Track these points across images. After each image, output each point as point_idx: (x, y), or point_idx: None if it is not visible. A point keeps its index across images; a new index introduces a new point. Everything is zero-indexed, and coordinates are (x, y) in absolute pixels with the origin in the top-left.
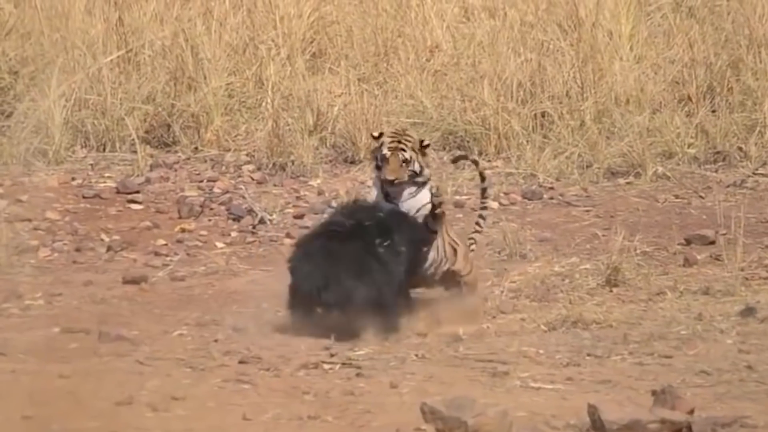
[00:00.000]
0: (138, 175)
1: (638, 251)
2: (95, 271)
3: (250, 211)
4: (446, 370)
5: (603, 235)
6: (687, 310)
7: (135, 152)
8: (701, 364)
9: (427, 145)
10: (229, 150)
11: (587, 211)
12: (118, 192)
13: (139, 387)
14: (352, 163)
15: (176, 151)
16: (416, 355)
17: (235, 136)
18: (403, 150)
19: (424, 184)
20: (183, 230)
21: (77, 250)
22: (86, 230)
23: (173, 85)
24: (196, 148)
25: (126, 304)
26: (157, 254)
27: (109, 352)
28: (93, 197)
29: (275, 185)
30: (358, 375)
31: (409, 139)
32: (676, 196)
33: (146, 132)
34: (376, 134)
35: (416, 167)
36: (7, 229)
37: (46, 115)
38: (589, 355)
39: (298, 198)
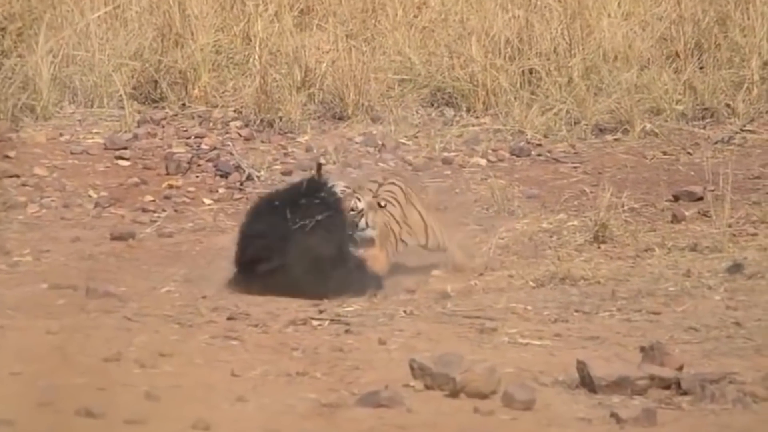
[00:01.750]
0: (125, 132)
1: (626, 208)
2: (83, 228)
3: (238, 168)
4: (434, 326)
5: (591, 192)
6: (675, 267)
7: (122, 108)
8: (689, 320)
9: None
10: (217, 106)
11: (575, 167)
12: (106, 148)
13: (127, 343)
14: (340, 119)
15: (164, 108)
16: (404, 312)
17: (223, 93)
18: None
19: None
20: (171, 186)
21: (65, 206)
22: (74, 186)
23: (161, 42)
24: (184, 105)
25: (114, 260)
26: (144, 210)
27: (97, 308)
28: (81, 153)
29: (263, 142)
30: (346, 331)
31: None
32: (664, 153)
33: (134, 88)
34: None
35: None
36: None
37: (33, 71)
38: (577, 311)
39: (285, 154)
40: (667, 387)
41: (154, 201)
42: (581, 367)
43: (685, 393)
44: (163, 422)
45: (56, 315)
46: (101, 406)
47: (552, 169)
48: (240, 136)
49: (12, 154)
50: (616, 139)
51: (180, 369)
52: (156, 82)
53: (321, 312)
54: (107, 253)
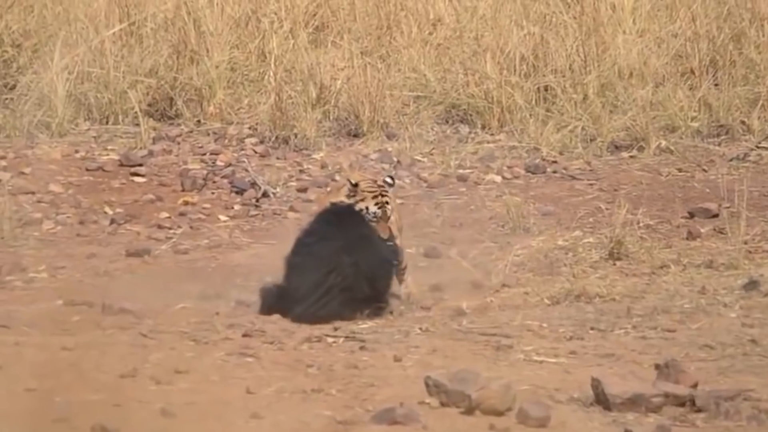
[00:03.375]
0: (141, 148)
1: (641, 225)
2: (98, 244)
3: (254, 185)
4: (450, 343)
5: (606, 209)
6: (690, 284)
7: (138, 125)
8: (704, 337)
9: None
10: (232, 123)
11: (590, 184)
12: (121, 165)
13: (143, 360)
14: (355, 136)
15: (179, 124)
16: (420, 329)
17: (238, 110)
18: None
19: None
20: (186, 203)
21: (80, 222)
22: (89, 203)
23: (176, 59)
24: (199, 121)
25: (129, 277)
26: (160, 227)
27: (112, 324)
28: (96, 170)
29: (278, 158)
30: (361, 348)
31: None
32: (679, 170)
33: (149, 105)
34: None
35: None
36: (10, 201)
37: (48, 87)
38: (592, 328)
39: (301, 171)
40: (682, 404)
41: (169, 218)
42: (596, 384)
43: (699, 410)
44: None
45: (72, 331)
46: (117, 423)
47: (567, 186)
48: (255, 152)
49: (27, 170)
50: (631, 156)
51: (195, 386)
52: (171, 98)
53: (336, 329)
54: (123, 270)
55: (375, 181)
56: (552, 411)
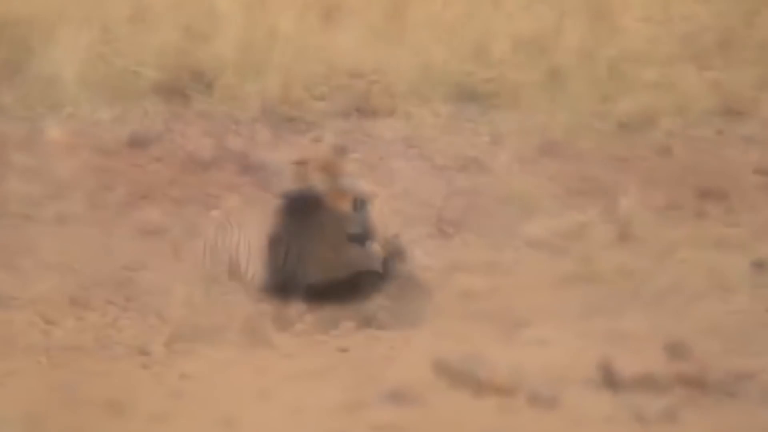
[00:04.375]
0: (151, 130)
1: (652, 205)
2: (108, 225)
3: (263, 166)
4: (459, 324)
5: (617, 190)
6: (700, 265)
7: (148, 106)
8: (714, 318)
9: None
10: (242, 104)
11: (601, 165)
12: (131, 146)
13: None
14: (365, 117)
15: (189, 106)
16: (429, 310)
17: (249, 91)
18: None
19: None
20: (197, 185)
21: (91, 203)
22: (100, 184)
23: (186, 39)
24: (209, 103)
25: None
26: (171, 208)
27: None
28: (105, 151)
29: (287, 141)
30: (371, 329)
31: None
32: (690, 151)
33: (159, 86)
34: None
35: None
36: (21, 183)
37: (59, 68)
38: (602, 309)
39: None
40: (692, 385)
41: (180, 200)
42: (606, 365)
43: (709, 391)
44: (187, 418)
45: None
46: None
47: (578, 167)
48: (265, 134)
49: (38, 151)
50: (642, 137)
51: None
52: (181, 79)
53: (345, 310)
54: (135, 251)
55: None
56: (561, 392)
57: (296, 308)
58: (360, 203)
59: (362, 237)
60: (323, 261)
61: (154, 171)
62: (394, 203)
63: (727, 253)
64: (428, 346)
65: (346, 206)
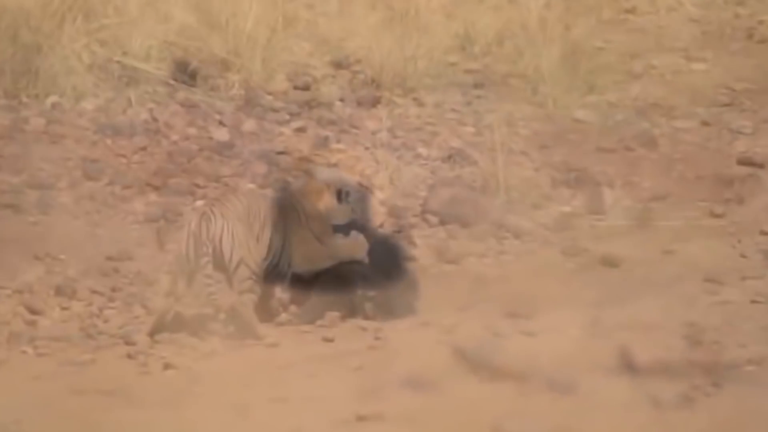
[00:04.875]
0: (163, 114)
1: (666, 191)
2: (116, 209)
3: (280, 152)
4: (473, 311)
5: (631, 176)
6: (715, 251)
7: (162, 88)
8: (730, 305)
9: None
10: (256, 89)
11: (616, 151)
12: (146, 130)
13: None
14: (379, 102)
15: (199, 92)
16: (442, 297)
17: (263, 76)
18: None
19: None
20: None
21: (109, 185)
22: (113, 169)
23: (201, 24)
24: (223, 87)
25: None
26: (184, 193)
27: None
28: (117, 135)
29: (301, 126)
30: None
31: None
32: (706, 138)
33: (173, 71)
34: None
35: None
36: (37, 167)
37: (73, 53)
38: (616, 295)
39: (325, 138)
40: (707, 371)
41: (195, 185)
42: (622, 351)
43: (724, 377)
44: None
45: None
46: None
47: (593, 151)
48: (281, 118)
49: (51, 135)
50: (659, 123)
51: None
52: (194, 64)
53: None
54: (143, 235)
55: None
56: (577, 378)
57: (281, 299)
58: (345, 194)
59: (347, 228)
60: (308, 251)
61: (138, 161)
62: (379, 194)
63: (742, 239)
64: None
65: (329, 198)
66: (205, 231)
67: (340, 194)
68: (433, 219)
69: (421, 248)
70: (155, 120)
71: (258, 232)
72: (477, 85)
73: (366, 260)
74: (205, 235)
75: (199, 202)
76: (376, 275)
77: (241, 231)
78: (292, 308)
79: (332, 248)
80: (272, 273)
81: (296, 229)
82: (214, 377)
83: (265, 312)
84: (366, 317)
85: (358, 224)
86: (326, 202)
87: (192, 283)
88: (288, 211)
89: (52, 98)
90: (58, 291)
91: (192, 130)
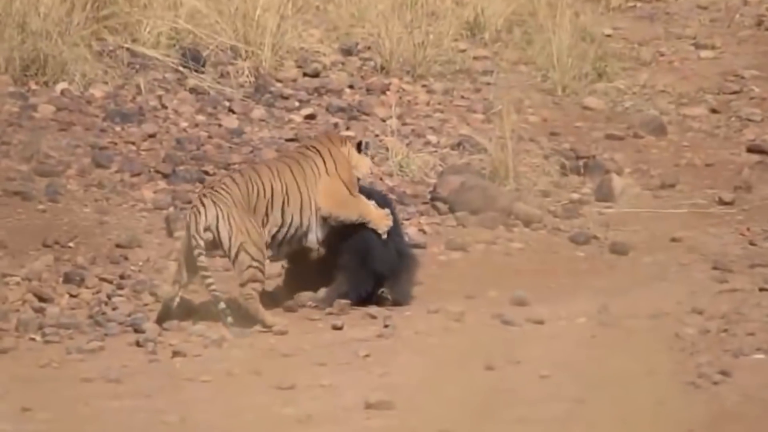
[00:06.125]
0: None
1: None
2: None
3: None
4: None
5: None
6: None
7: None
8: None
9: None
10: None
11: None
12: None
13: None
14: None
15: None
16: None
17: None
18: None
19: None
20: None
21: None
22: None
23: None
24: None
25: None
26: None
27: None
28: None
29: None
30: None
31: None
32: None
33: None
34: None
35: None
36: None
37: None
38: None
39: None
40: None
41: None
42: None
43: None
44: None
45: None
46: None
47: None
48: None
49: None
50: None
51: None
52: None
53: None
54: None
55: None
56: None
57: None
58: (365, 145)
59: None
60: (336, 194)
61: (147, 148)
62: (389, 181)
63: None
64: (424, 324)
65: (351, 149)
66: (194, 224)
67: (360, 145)
68: (443, 206)
69: (430, 235)
70: (164, 107)
71: (265, 209)
72: (486, 72)
73: (385, 235)
74: (195, 228)
75: (204, 190)
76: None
77: (238, 216)
78: (302, 296)
79: (361, 202)
80: (292, 240)
81: (320, 179)
82: (222, 365)
83: (274, 300)
84: (381, 302)
85: (390, 206)
86: (349, 150)
87: (195, 273)
88: (308, 163)
89: (62, 85)
90: (67, 278)
91: (201, 117)
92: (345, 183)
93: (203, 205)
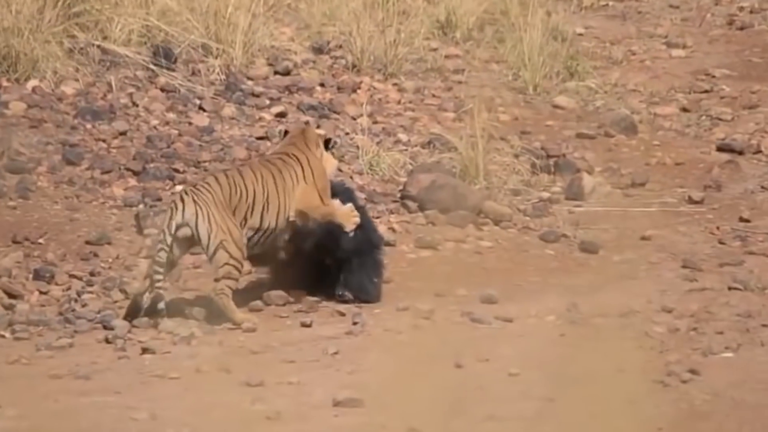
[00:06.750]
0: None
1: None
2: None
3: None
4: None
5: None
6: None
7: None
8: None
9: None
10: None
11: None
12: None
13: None
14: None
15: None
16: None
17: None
18: None
19: None
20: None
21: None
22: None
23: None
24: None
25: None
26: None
27: None
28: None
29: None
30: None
31: None
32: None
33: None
34: None
35: None
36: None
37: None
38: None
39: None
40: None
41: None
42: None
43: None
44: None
45: None
46: None
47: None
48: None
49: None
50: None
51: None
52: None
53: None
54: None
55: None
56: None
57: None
58: (333, 143)
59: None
60: (308, 206)
61: (118, 146)
62: (359, 179)
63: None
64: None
65: (321, 147)
66: (167, 219)
67: (328, 143)
68: (413, 205)
69: (400, 234)
70: (135, 105)
71: (245, 212)
72: (457, 71)
73: (351, 232)
74: (167, 224)
75: (179, 187)
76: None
77: (219, 215)
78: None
79: (331, 208)
80: (264, 243)
81: (297, 186)
82: (191, 362)
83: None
84: (342, 301)
85: (354, 201)
86: (321, 150)
87: (170, 268)
88: (289, 170)
89: (33, 82)
90: (37, 275)
91: (172, 115)
92: (319, 191)
93: (182, 201)
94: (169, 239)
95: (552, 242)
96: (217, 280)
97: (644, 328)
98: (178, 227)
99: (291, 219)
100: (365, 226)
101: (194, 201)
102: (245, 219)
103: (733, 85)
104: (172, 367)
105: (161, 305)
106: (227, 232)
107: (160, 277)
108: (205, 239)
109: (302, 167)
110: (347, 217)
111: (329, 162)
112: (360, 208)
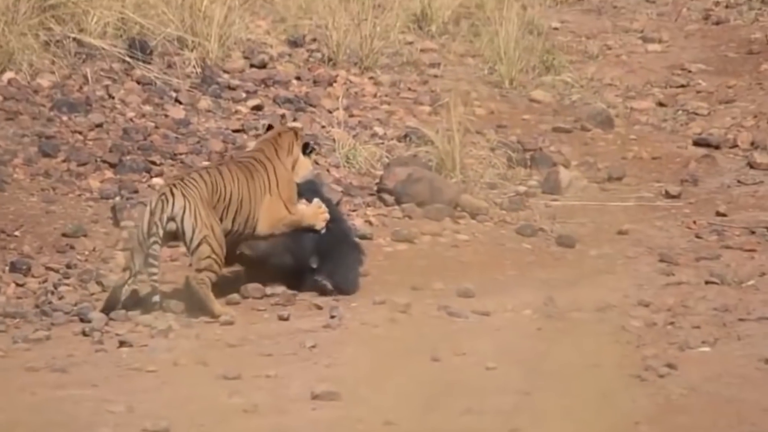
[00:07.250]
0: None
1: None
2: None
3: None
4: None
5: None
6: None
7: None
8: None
9: None
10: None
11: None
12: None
13: None
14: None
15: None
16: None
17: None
18: None
19: None
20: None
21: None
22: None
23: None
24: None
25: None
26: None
27: None
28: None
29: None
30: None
31: None
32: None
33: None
34: None
35: None
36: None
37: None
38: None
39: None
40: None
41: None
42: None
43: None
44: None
45: None
46: None
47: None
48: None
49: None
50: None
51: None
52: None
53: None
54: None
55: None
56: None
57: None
58: (310, 148)
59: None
60: (273, 218)
61: (94, 138)
62: (335, 172)
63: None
64: (370, 315)
65: (297, 149)
66: (160, 212)
67: (306, 147)
68: (389, 198)
69: (377, 227)
70: (111, 97)
71: (221, 212)
72: (433, 65)
73: (323, 230)
74: (159, 216)
75: (156, 180)
76: (328, 248)
77: (204, 211)
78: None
79: (297, 216)
80: (232, 244)
81: (265, 195)
82: (168, 355)
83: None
84: (317, 290)
85: (320, 193)
86: (295, 153)
87: (146, 261)
88: (258, 176)
89: (8, 74)
90: (13, 267)
91: (148, 108)
92: (285, 201)
93: (172, 194)
94: (161, 232)
95: (529, 236)
96: (198, 270)
97: (621, 323)
98: (168, 220)
99: (256, 229)
100: (336, 218)
101: (183, 195)
102: (221, 219)
103: (710, 80)
104: (150, 360)
105: (156, 298)
106: (210, 228)
107: (156, 270)
108: (189, 233)
109: (268, 177)
110: (315, 217)
111: (303, 165)
112: (326, 201)
